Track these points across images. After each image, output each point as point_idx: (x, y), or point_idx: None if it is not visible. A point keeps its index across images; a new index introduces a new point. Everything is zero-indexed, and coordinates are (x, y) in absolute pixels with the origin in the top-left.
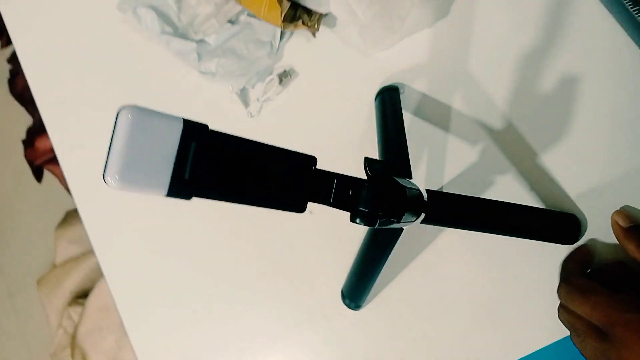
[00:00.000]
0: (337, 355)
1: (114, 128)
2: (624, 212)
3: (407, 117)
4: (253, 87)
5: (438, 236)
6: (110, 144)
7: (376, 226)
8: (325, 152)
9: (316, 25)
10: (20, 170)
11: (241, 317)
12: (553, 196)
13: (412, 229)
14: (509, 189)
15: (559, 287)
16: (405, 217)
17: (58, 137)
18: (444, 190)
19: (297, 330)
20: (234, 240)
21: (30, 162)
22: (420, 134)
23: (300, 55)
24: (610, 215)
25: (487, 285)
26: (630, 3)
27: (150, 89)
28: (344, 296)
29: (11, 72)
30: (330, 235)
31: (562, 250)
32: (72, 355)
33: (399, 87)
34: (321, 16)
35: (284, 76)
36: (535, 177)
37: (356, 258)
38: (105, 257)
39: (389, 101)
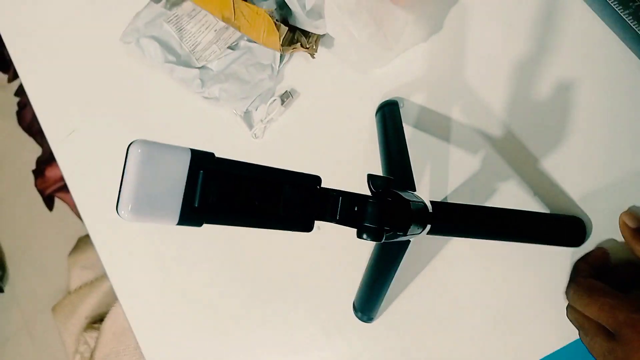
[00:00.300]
0: None
1: (125, 163)
2: (632, 213)
3: (408, 130)
4: (256, 109)
5: (445, 246)
6: (122, 178)
7: (383, 240)
8: (329, 169)
9: (314, 47)
10: (31, 200)
11: (256, 334)
12: (557, 200)
13: (420, 240)
14: (513, 196)
15: (567, 287)
16: (411, 229)
17: (68, 167)
18: (448, 201)
19: (314, 346)
20: (245, 260)
21: (41, 192)
22: (422, 146)
23: (301, 76)
24: (618, 216)
25: (496, 291)
26: (619, 6)
27: (157, 117)
28: (356, 309)
29: (19, 104)
30: (339, 249)
31: (570, 254)
32: None
33: (398, 101)
34: (319, 37)
35: (286, 97)
36: (538, 182)
37: (366, 271)
38: (118, 281)
39: (389, 116)
